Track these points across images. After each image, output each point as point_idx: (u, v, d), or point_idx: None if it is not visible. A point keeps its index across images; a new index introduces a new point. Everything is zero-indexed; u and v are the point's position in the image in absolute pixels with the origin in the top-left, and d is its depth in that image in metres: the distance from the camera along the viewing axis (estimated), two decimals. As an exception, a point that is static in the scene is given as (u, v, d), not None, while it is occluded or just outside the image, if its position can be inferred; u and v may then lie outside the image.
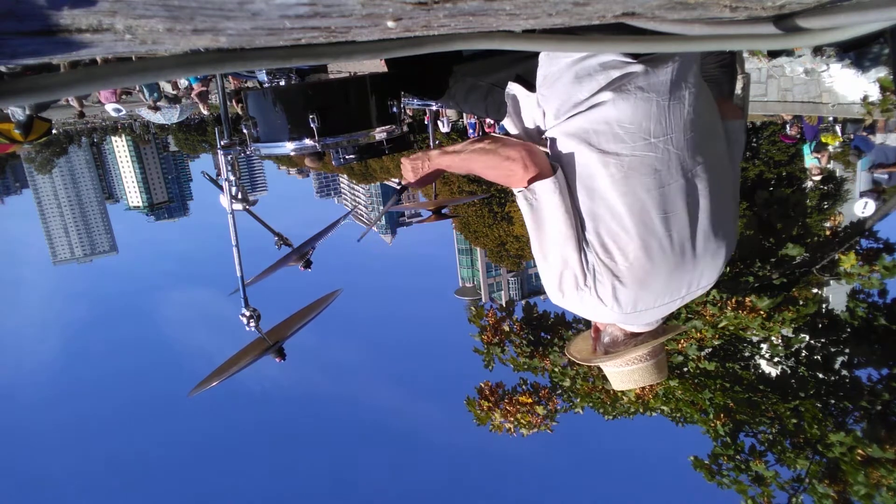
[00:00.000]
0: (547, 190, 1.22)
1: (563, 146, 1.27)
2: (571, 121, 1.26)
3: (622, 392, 7.61)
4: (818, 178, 9.60)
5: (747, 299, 8.01)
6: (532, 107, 1.38)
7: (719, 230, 1.33)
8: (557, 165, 1.25)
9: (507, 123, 1.50)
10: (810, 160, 9.04)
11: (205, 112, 11.81)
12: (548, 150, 1.33)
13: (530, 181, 1.24)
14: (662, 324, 1.48)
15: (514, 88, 1.42)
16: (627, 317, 1.33)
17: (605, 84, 1.22)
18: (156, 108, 11.01)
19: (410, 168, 1.47)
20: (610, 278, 1.25)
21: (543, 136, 1.34)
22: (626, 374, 1.47)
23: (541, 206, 1.24)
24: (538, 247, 1.29)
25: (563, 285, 1.29)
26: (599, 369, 1.71)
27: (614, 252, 1.23)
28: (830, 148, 9.05)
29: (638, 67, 1.21)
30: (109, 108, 10.75)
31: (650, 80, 1.21)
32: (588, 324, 1.56)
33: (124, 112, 10.81)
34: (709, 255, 1.32)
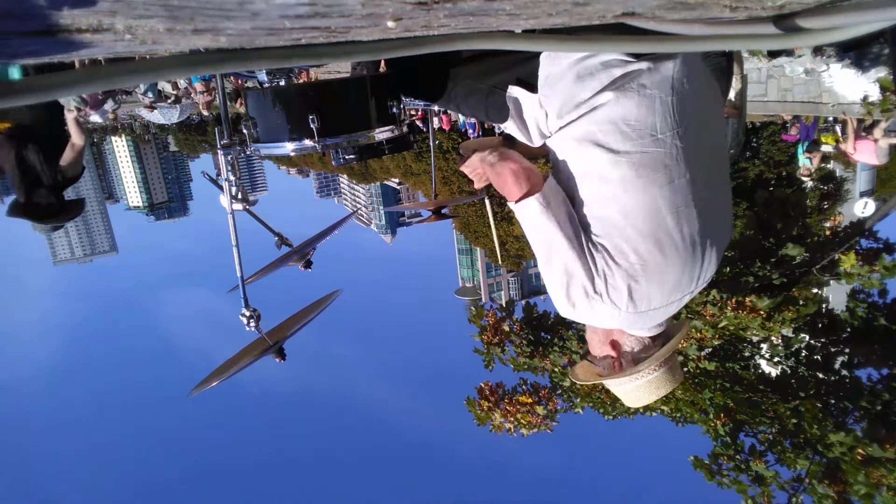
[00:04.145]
0: (533, 208, 1.23)
1: (571, 150, 1.26)
2: (576, 124, 1.25)
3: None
4: (807, 178, 9.60)
5: (747, 299, 8.01)
6: (534, 108, 1.38)
7: (723, 223, 1.34)
8: (550, 179, 1.26)
9: (510, 126, 1.49)
10: (803, 160, 9.05)
11: (205, 112, 11.80)
12: (551, 156, 1.33)
13: (523, 196, 1.25)
14: (669, 323, 1.45)
15: (515, 91, 1.42)
16: (641, 316, 1.31)
17: (608, 83, 1.22)
18: (152, 108, 10.95)
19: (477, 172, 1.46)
20: (625, 279, 1.23)
21: (548, 140, 1.34)
22: (651, 382, 1.43)
23: (534, 222, 1.24)
24: (542, 263, 1.28)
25: (572, 296, 1.27)
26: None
27: (628, 252, 1.22)
28: (823, 148, 9.04)
29: (640, 65, 1.21)
30: (94, 117, 10.62)
31: (652, 77, 1.21)
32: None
33: (109, 113, 10.67)
34: (714, 249, 1.32)
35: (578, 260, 1.23)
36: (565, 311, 1.32)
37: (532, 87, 1.37)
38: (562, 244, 1.23)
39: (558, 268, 1.25)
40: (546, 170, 1.38)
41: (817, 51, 7.18)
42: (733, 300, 7.99)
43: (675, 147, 1.21)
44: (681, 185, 1.22)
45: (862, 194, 8.60)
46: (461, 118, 14.32)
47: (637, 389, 1.44)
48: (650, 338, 1.42)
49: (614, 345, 1.44)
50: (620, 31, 0.88)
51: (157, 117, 11.86)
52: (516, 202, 1.27)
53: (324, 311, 2.32)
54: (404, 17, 0.68)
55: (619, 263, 1.23)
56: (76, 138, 3.38)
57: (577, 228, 1.23)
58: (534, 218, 1.24)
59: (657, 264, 1.23)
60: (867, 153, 6.99)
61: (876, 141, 6.85)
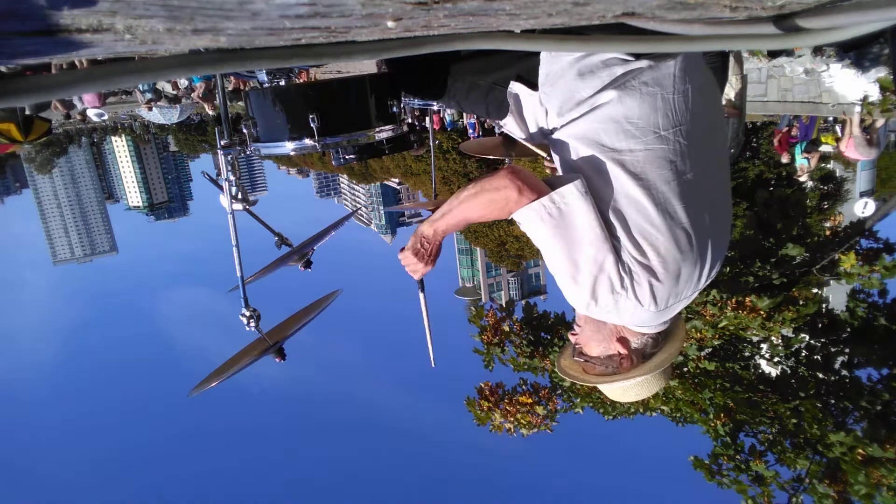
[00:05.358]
0: (574, 194, 1.18)
1: (575, 150, 1.25)
2: (578, 122, 1.25)
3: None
4: (803, 178, 9.60)
5: (747, 299, 8.01)
6: (534, 105, 1.38)
7: (726, 221, 1.35)
8: (579, 175, 1.22)
9: (509, 122, 1.49)
10: (800, 160, 9.03)
11: (210, 112, 11.81)
12: (554, 154, 1.32)
13: (539, 196, 1.20)
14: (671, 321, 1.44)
15: (515, 87, 1.42)
16: (657, 313, 1.30)
17: (609, 81, 1.22)
18: (150, 107, 10.98)
19: (414, 258, 1.36)
20: (647, 277, 1.22)
21: (550, 139, 1.34)
22: (648, 380, 1.42)
23: (569, 213, 1.19)
24: (565, 258, 1.22)
25: (598, 292, 1.23)
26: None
27: (646, 249, 1.21)
28: (823, 149, 9.03)
29: (640, 63, 1.21)
30: (92, 113, 10.68)
31: (654, 75, 1.21)
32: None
33: (106, 116, 10.76)
34: (720, 247, 1.32)
35: (610, 253, 1.20)
36: (584, 307, 1.29)
37: (532, 83, 1.37)
38: (599, 234, 1.19)
39: (588, 261, 1.21)
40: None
41: (817, 51, 7.18)
42: (733, 300, 7.98)
43: (678, 143, 1.21)
44: (689, 181, 1.22)
45: (862, 194, 8.59)
46: (448, 118, 14.29)
47: (635, 386, 1.44)
48: (655, 335, 1.41)
49: (623, 342, 1.40)
50: (620, 31, 0.88)
51: (156, 117, 11.87)
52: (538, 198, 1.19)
53: (324, 310, 2.32)
54: (404, 17, 0.68)
55: (640, 260, 1.22)
56: None
57: (602, 223, 1.21)
58: (574, 206, 1.18)
59: (675, 260, 1.22)
60: (853, 149, 7.09)
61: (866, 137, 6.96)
